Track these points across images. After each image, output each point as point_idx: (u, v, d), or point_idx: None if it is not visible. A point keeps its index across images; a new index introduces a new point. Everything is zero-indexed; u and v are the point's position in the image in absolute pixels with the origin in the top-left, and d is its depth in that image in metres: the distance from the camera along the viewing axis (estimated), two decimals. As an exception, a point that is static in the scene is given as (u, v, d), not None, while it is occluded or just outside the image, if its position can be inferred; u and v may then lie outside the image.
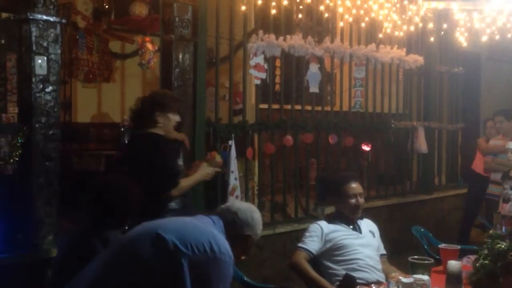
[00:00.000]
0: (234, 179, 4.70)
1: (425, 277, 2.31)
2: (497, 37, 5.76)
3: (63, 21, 3.95)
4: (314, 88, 5.53)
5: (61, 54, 3.93)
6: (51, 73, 3.77)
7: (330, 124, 5.68)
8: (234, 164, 4.71)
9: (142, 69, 6.54)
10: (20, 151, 3.65)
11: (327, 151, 5.79)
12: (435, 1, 5.92)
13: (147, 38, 6.17)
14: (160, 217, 2.71)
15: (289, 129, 5.24)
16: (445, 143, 7.39)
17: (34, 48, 3.68)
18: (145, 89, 6.99)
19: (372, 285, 2.63)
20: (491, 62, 8.92)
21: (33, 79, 3.69)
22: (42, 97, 3.73)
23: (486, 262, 2.51)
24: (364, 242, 3.19)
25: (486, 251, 2.57)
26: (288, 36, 5.15)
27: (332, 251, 3.14)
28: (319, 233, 3.18)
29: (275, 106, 5.36)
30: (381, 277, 3.08)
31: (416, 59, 6.48)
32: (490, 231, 2.78)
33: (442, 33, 6.60)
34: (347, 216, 3.26)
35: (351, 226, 3.24)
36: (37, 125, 3.72)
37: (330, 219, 3.29)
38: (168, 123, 3.39)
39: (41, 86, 3.72)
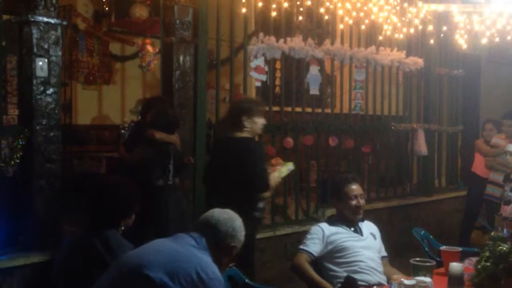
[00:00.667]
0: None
1: (427, 279, 2.31)
2: (497, 39, 5.77)
3: (64, 23, 3.96)
4: (314, 90, 5.54)
5: (61, 56, 3.93)
6: (52, 75, 3.77)
7: (331, 126, 5.68)
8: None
9: (142, 71, 6.54)
10: (21, 153, 3.65)
11: (327, 153, 5.79)
12: (435, 4, 5.94)
13: (148, 40, 6.17)
14: (251, 217, 3.17)
15: (290, 131, 5.24)
16: (445, 145, 7.39)
17: (35, 50, 3.68)
18: (145, 91, 7.00)
19: (374, 287, 2.62)
20: (491, 64, 8.93)
21: (34, 81, 3.69)
22: (43, 99, 3.73)
23: (488, 264, 2.51)
24: (365, 244, 3.19)
25: (487, 253, 2.57)
26: (288, 38, 5.15)
27: (333, 253, 3.14)
28: (321, 235, 3.18)
29: (276, 108, 5.36)
30: (382, 279, 3.07)
31: (416, 62, 6.49)
32: (492, 233, 2.77)
33: (442, 35, 6.60)
34: (348, 218, 3.25)
35: (352, 228, 3.24)
36: (38, 127, 3.72)
37: (331, 221, 3.29)
38: (254, 127, 3.61)
39: (41, 88, 3.72)
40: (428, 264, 2.59)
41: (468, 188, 6.42)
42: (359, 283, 2.92)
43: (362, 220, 3.33)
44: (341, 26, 5.74)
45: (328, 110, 5.88)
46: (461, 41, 6.04)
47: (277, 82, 5.69)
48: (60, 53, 3.84)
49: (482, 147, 6.06)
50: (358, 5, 5.39)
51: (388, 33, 5.73)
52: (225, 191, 3.60)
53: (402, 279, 2.27)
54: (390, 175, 6.69)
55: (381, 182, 6.51)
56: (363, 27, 5.71)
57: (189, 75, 4.55)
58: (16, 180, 3.75)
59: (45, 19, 3.72)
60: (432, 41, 6.47)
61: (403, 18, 5.69)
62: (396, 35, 5.80)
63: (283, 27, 5.23)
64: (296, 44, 5.18)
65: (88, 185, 2.67)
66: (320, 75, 5.58)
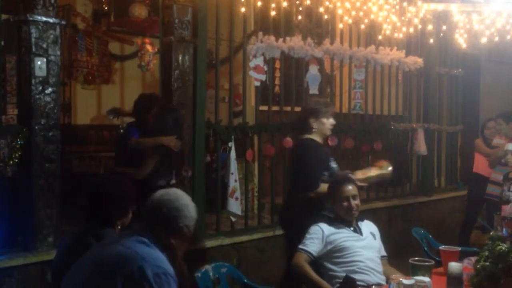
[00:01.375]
0: (234, 181, 4.69)
1: (426, 279, 2.31)
2: (496, 38, 5.77)
3: (63, 22, 3.96)
4: (313, 90, 5.53)
5: (60, 56, 3.93)
6: (51, 74, 3.77)
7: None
8: (234, 166, 4.71)
9: (141, 70, 6.55)
10: (19, 153, 3.65)
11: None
12: (435, 3, 5.93)
13: (147, 40, 6.17)
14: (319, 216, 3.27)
15: (289, 131, 5.23)
16: (445, 145, 7.39)
17: (33, 49, 3.68)
18: (145, 91, 6.99)
19: (373, 287, 2.62)
20: (491, 64, 8.93)
21: (33, 81, 3.69)
22: (42, 98, 3.73)
23: (487, 264, 2.51)
24: (365, 244, 3.19)
25: (487, 253, 2.56)
26: (287, 38, 5.15)
27: (332, 253, 3.14)
28: (320, 235, 3.17)
29: (275, 108, 5.36)
30: (381, 279, 3.07)
31: (415, 61, 6.48)
32: (491, 233, 2.77)
33: (442, 34, 6.60)
34: (343, 218, 3.25)
35: (352, 228, 3.23)
36: (36, 127, 3.72)
37: (331, 221, 3.28)
38: (322, 128, 3.71)
39: (40, 87, 3.72)
40: (427, 263, 2.59)
41: (470, 188, 6.40)
42: (358, 283, 2.92)
43: (362, 220, 3.33)
44: (340, 26, 5.74)
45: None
46: (461, 40, 6.04)
47: (277, 81, 5.68)
48: (59, 53, 3.84)
49: (482, 148, 6.06)
50: (358, 4, 5.38)
51: (388, 32, 5.72)
52: (292, 192, 3.82)
53: (401, 279, 2.26)
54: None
55: (380, 182, 6.49)
56: (362, 26, 5.70)
57: (188, 75, 4.54)
58: (15, 180, 3.74)
59: (44, 19, 3.72)
60: (431, 41, 6.47)
61: (403, 18, 5.69)
62: (396, 35, 5.80)
63: (282, 26, 5.22)
64: (295, 43, 5.17)
65: (84, 185, 2.67)
66: (320, 75, 5.57)
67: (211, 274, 2.99)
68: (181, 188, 4.25)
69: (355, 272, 3.04)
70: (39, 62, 3.70)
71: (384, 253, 3.32)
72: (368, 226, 3.33)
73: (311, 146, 3.68)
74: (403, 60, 6.32)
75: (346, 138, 5.82)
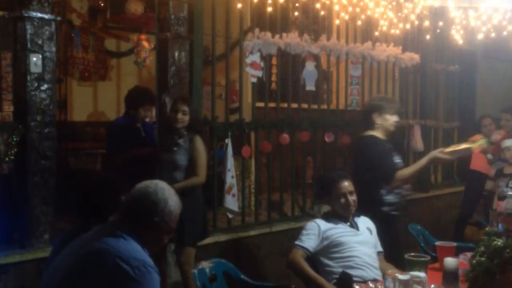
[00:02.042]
0: (230, 178, 4.69)
1: (422, 274, 2.31)
2: (493, 35, 5.76)
3: (58, 18, 3.95)
4: (310, 86, 5.52)
5: (56, 52, 3.92)
6: (46, 71, 3.76)
7: (327, 122, 5.68)
8: (230, 163, 4.71)
9: (138, 67, 6.53)
10: (15, 150, 3.64)
11: (323, 150, 5.79)
12: (431, -1, 5.92)
13: (143, 36, 6.16)
14: (379, 212, 3.35)
15: (286, 128, 5.24)
16: (441, 141, 7.39)
17: (29, 46, 3.67)
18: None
19: (369, 282, 2.62)
20: (487, 60, 8.93)
21: (28, 77, 3.68)
22: (37, 95, 3.72)
23: (483, 259, 2.51)
24: (361, 239, 3.20)
25: (482, 248, 2.57)
26: (284, 34, 5.14)
27: (329, 248, 3.14)
28: (316, 231, 3.18)
29: (272, 104, 5.35)
30: (378, 275, 3.08)
31: (412, 57, 6.48)
32: (487, 228, 2.78)
33: (438, 31, 6.60)
34: (340, 215, 3.26)
35: (348, 223, 3.25)
36: (32, 124, 3.71)
37: (328, 217, 3.29)
38: (385, 124, 3.71)
39: (36, 84, 3.71)
40: (422, 259, 2.60)
41: (467, 185, 6.41)
42: (354, 278, 2.92)
43: (358, 215, 3.33)
44: (337, 22, 5.72)
45: (324, 106, 5.87)
46: (457, 36, 6.04)
47: (273, 78, 5.68)
48: (54, 49, 3.82)
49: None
50: (354, 0, 5.37)
51: (384, 28, 5.72)
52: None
53: (397, 274, 2.27)
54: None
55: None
56: (359, 22, 5.70)
57: (185, 71, 4.53)
58: (11, 177, 3.74)
59: (39, 15, 3.70)
60: (428, 37, 6.47)
61: (399, 14, 5.68)
62: (392, 31, 5.80)
63: (279, 22, 5.21)
64: (292, 39, 5.16)
65: (78, 182, 2.66)
66: (316, 71, 5.57)
67: (207, 270, 2.99)
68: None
69: (351, 267, 3.05)
70: (34, 59, 3.69)
71: (380, 248, 3.33)
72: (364, 222, 3.34)
73: (375, 141, 3.68)
74: (399, 56, 6.32)
75: (342, 134, 5.82)
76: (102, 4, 6.73)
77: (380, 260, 3.24)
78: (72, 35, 6.48)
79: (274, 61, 5.65)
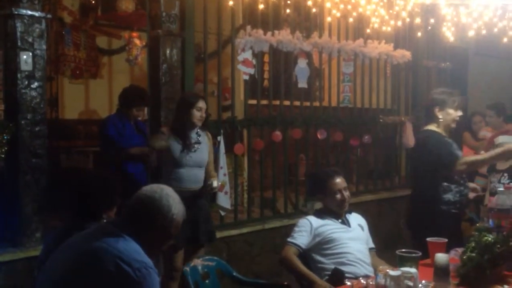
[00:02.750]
0: (223, 175, 4.69)
1: (413, 270, 2.31)
2: (484, 32, 5.78)
3: (49, 16, 3.93)
4: (302, 83, 5.53)
5: (47, 50, 3.90)
6: (37, 69, 3.74)
7: (319, 120, 5.68)
8: (223, 160, 4.71)
9: (129, 65, 6.51)
10: (6, 148, 3.62)
11: (316, 147, 5.80)
12: (422, -4, 5.93)
13: (134, 34, 6.14)
14: (438, 210, 3.35)
15: (278, 125, 5.24)
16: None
17: (19, 43, 3.65)
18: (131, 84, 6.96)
19: (361, 278, 2.63)
20: (478, 57, 8.97)
21: (19, 75, 3.66)
22: (28, 93, 3.70)
23: (473, 255, 2.53)
24: (353, 236, 3.21)
25: (473, 244, 2.58)
26: (276, 31, 5.14)
27: (321, 245, 3.15)
28: (308, 228, 3.19)
29: (264, 102, 5.35)
30: (369, 271, 3.09)
31: (403, 54, 6.50)
32: (478, 224, 2.79)
33: (429, 28, 6.61)
34: (334, 211, 3.27)
35: (339, 220, 3.25)
36: (23, 122, 3.69)
37: (319, 214, 3.30)
38: (447, 118, 3.60)
39: (26, 82, 3.69)
40: (413, 255, 2.60)
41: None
42: (346, 275, 2.93)
43: (350, 212, 3.34)
44: (329, 19, 5.72)
45: (317, 103, 5.88)
46: (448, 33, 6.04)
47: (265, 75, 5.68)
48: (45, 47, 3.80)
49: (469, 141, 6.11)
50: (346, -3, 5.38)
51: (376, 26, 5.72)
52: (413, 186, 3.86)
53: (388, 270, 2.28)
54: (379, 168, 6.71)
55: (369, 175, 6.53)
56: (350, 20, 5.70)
57: (177, 69, 4.52)
58: (2, 176, 3.72)
59: (29, 12, 3.68)
60: (419, 34, 6.48)
61: (391, 11, 5.68)
62: (384, 28, 5.79)
63: (270, 20, 5.21)
64: (284, 37, 5.17)
65: (69, 179, 2.65)
66: (308, 68, 5.57)
67: (200, 268, 2.99)
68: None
69: (343, 263, 3.06)
70: (24, 57, 3.67)
71: (372, 245, 3.34)
72: (356, 218, 3.35)
73: (433, 134, 3.61)
74: (391, 53, 6.34)
75: (335, 131, 5.83)
76: (93, 2, 6.70)
77: (372, 256, 3.25)
78: (63, 32, 6.45)
79: (266, 58, 5.65)
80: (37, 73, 3.74)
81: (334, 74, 6.05)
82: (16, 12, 3.62)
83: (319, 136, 5.65)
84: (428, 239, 3.03)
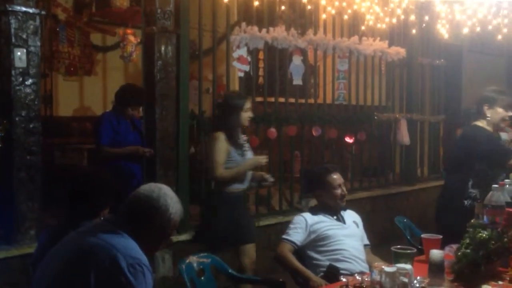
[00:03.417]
0: (218, 172, 4.68)
1: (408, 266, 2.32)
2: (478, 29, 5.80)
3: (43, 12, 3.91)
4: (297, 81, 5.54)
5: (41, 47, 3.88)
6: (31, 65, 3.72)
7: (314, 117, 5.69)
8: (218, 157, 4.69)
9: (124, 61, 6.48)
10: (0, 145, 3.60)
11: (311, 144, 5.80)
12: (417, -7, 5.95)
13: (129, 31, 6.11)
14: (458, 204, 3.41)
15: (273, 122, 5.24)
16: (427, 135, 7.46)
17: (13, 40, 3.63)
18: (128, 82, 6.94)
19: (356, 275, 2.64)
20: (472, 54, 9.00)
21: (13, 72, 3.64)
22: (22, 90, 3.68)
23: (468, 251, 2.54)
24: (348, 233, 3.22)
25: (468, 240, 2.60)
26: (271, 28, 5.14)
27: (316, 242, 3.16)
28: (303, 225, 3.19)
29: (259, 99, 5.35)
30: (365, 267, 3.10)
31: (398, 51, 6.52)
32: (472, 221, 2.80)
33: (424, 25, 6.63)
34: (331, 207, 3.28)
35: (335, 217, 3.26)
36: (17, 119, 3.67)
37: (314, 211, 3.30)
38: (495, 117, 3.62)
39: (20, 79, 3.67)
40: (408, 251, 2.61)
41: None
42: (341, 271, 2.94)
43: (345, 209, 3.36)
44: (323, 16, 5.73)
45: (312, 101, 5.88)
46: (443, 30, 6.07)
47: (260, 72, 5.67)
48: (39, 43, 3.79)
49: None
50: (341, -6, 5.38)
51: (371, 23, 5.74)
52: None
53: (383, 266, 2.28)
54: (373, 165, 6.73)
55: (364, 172, 6.54)
56: (345, 17, 5.71)
57: (171, 66, 4.51)
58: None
59: (23, 9, 3.67)
60: (414, 31, 6.50)
61: (386, 8, 5.70)
62: (379, 25, 5.82)
63: (265, 17, 5.21)
64: (279, 34, 5.16)
65: (64, 177, 2.64)
66: (303, 65, 5.57)
67: (195, 265, 2.99)
68: (165, 180, 4.30)
69: (338, 260, 3.07)
70: (19, 53, 3.65)
71: (367, 241, 3.35)
72: (350, 215, 3.36)
73: (479, 129, 3.64)
74: (386, 50, 6.35)
75: (329, 129, 5.84)
76: (87, -2, 6.67)
77: (367, 253, 3.27)
78: (57, 29, 6.42)
79: (261, 55, 5.65)
80: (32, 70, 3.72)
81: (329, 71, 6.05)
82: (10, 9, 3.60)
83: (314, 133, 5.65)
84: (423, 235, 3.05)
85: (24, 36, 3.68)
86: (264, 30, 5.07)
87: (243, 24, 4.92)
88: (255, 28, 4.98)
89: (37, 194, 3.77)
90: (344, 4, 5.46)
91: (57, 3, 6.41)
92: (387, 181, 6.81)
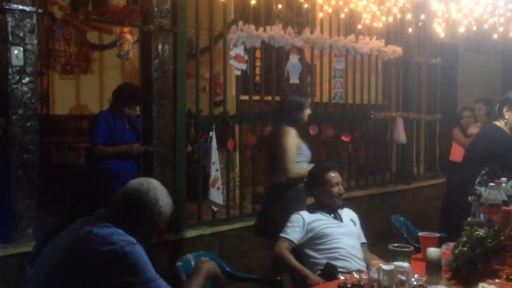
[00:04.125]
0: (215, 171, 4.70)
1: (406, 264, 2.33)
2: (474, 28, 5.82)
3: (40, 11, 3.90)
4: (294, 79, 5.54)
5: (38, 45, 3.87)
6: (28, 64, 3.71)
7: (311, 115, 5.67)
8: (215, 156, 4.71)
9: (121, 60, 6.46)
10: (-3, 144, 3.60)
11: (307, 142, 5.79)
12: (413, -8, 5.96)
13: (126, 29, 6.08)
14: (462, 199, 3.44)
15: (270, 120, 5.23)
16: (424, 134, 7.47)
17: (10, 38, 3.62)
18: (124, 81, 6.92)
19: (353, 273, 2.65)
20: (468, 53, 9.02)
21: (10, 70, 3.63)
22: (19, 88, 3.68)
23: (465, 249, 2.56)
24: (345, 231, 3.23)
25: (464, 239, 2.61)
26: (268, 27, 5.14)
27: (314, 240, 3.17)
28: (301, 223, 3.20)
29: (256, 97, 5.35)
30: (362, 266, 3.11)
31: (394, 50, 6.53)
32: (469, 219, 2.82)
33: (420, 24, 6.65)
34: (329, 205, 3.29)
35: (332, 215, 3.27)
36: (14, 117, 3.67)
37: (311, 209, 3.31)
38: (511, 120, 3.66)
39: (17, 77, 3.67)
40: (406, 249, 2.63)
41: (447, 176, 6.49)
42: (339, 270, 2.95)
43: (342, 207, 3.36)
44: (320, 15, 5.73)
45: (308, 99, 5.88)
46: (439, 29, 6.08)
47: (257, 71, 5.67)
48: (36, 42, 3.78)
49: (458, 137, 6.16)
50: (337, -7, 5.38)
51: (367, 21, 5.74)
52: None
53: (381, 264, 2.29)
54: (370, 164, 6.74)
55: (360, 171, 6.56)
56: (342, 15, 5.71)
57: (168, 64, 4.51)
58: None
59: (20, 7, 3.66)
60: (410, 30, 6.51)
61: (382, 7, 5.71)
62: (375, 24, 5.82)
63: (262, 15, 5.21)
64: (275, 32, 5.17)
65: (61, 175, 2.64)
66: (300, 64, 5.58)
67: (192, 263, 2.99)
68: (162, 178, 4.30)
69: (336, 258, 3.08)
70: (15, 51, 3.64)
71: (364, 240, 3.36)
72: (348, 214, 3.37)
73: (495, 130, 3.68)
74: (382, 49, 6.36)
75: (326, 127, 5.85)
76: (84, -4, 6.65)
77: (364, 251, 3.28)
78: (54, 27, 6.39)
79: (258, 54, 5.65)
80: (28, 68, 3.72)
81: (326, 69, 6.06)
82: (7, 7, 3.60)
83: (310, 132, 5.65)
84: (419, 234, 3.06)
85: (21, 34, 3.67)
86: (261, 29, 5.07)
87: (240, 23, 4.92)
88: (252, 27, 4.98)
89: (34, 192, 3.76)
90: (341, 2, 5.46)
91: (53, 1, 6.39)
92: (384, 179, 6.82)
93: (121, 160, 4.30)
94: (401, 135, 6.70)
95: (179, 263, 2.93)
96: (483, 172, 3.60)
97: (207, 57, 4.95)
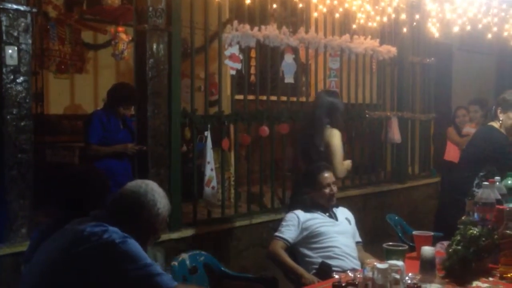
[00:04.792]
0: (210, 170, 4.69)
1: (400, 263, 2.34)
2: (468, 28, 5.84)
3: (34, 10, 3.89)
4: (289, 79, 5.54)
5: (32, 45, 3.86)
6: (22, 63, 3.70)
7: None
8: (210, 155, 4.71)
9: (115, 59, 6.46)
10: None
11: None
12: (408, -8, 5.97)
13: (120, 28, 6.09)
14: (455, 199, 3.38)
15: (265, 120, 5.25)
16: (418, 133, 7.50)
17: (4, 37, 3.61)
18: (119, 80, 6.91)
19: (348, 271, 2.66)
20: (462, 52, 9.05)
21: (4, 70, 3.62)
22: (13, 88, 3.67)
23: (459, 248, 2.57)
24: (340, 229, 3.24)
25: (458, 237, 2.62)
26: (263, 27, 5.14)
27: (308, 239, 3.18)
28: (296, 222, 3.21)
29: (251, 97, 5.35)
30: (357, 264, 3.12)
31: (389, 50, 6.54)
32: (463, 218, 2.83)
33: (415, 24, 6.66)
34: (322, 205, 3.30)
35: (327, 214, 3.28)
36: (8, 117, 3.65)
37: (306, 208, 3.32)
38: (507, 122, 3.68)
39: (11, 76, 3.65)
40: (400, 248, 2.64)
41: (443, 175, 6.51)
42: (334, 268, 2.96)
43: (337, 206, 3.38)
44: (315, 14, 5.74)
45: (303, 99, 5.89)
46: (433, 29, 6.10)
47: (252, 70, 5.67)
48: (30, 41, 3.77)
49: (452, 136, 6.19)
50: (332, -7, 5.39)
51: (362, 21, 5.75)
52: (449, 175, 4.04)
53: (375, 263, 2.30)
54: (365, 163, 6.75)
55: (355, 170, 6.56)
56: (337, 15, 5.72)
57: (163, 64, 4.50)
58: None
59: (14, 6, 3.64)
60: (405, 30, 6.52)
61: (377, 7, 5.72)
62: (370, 24, 5.83)
63: (257, 15, 5.21)
64: (270, 32, 5.17)
65: (57, 175, 2.64)
66: (295, 64, 5.58)
67: (187, 262, 3.00)
68: (157, 177, 4.30)
69: (331, 257, 3.09)
70: (10, 51, 3.63)
71: (359, 239, 3.37)
72: (343, 212, 3.38)
73: (491, 131, 3.70)
74: (377, 49, 6.37)
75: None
76: (78, -4, 6.64)
77: (358, 250, 3.29)
78: (48, 27, 6.39)
79: (253, 53, 5.65)
80: (23, 68, 3.71)
81: (321, 69, 6.07)
82: (1, 6, 3.58)
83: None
84: (414, 232, 3.07)
85: (15, 34, 3.66)
86: (256, 28, 5.07)
87: (235, 22, 4.93)
88: (247, 26, 4.98)
89: (29, 192, 3.75)
90: (335, 2, 5.46)
91: (48, 0, 6.38)
92: (379, 179, 6.84)
93: (116, 160, 4.30)
94: (395, 135, 6.71)
95: (174, 263, 2.93)
96: (481, 174, 3.60)
97: (202, 57, 4.95)
